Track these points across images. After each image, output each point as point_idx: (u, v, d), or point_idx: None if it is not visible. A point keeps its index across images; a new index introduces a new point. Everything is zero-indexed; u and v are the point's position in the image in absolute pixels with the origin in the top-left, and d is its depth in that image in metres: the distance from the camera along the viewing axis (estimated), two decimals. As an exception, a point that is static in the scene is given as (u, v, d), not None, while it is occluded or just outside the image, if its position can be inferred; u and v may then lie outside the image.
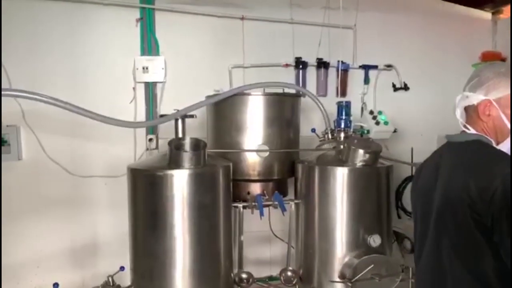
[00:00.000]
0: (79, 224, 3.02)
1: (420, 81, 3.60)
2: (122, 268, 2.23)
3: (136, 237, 2.07)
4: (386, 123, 3.02)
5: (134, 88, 3.04)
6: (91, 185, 3.02)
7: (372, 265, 1.99)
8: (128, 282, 2.16)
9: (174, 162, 1.98)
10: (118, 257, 2.38)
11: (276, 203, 2.25)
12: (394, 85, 3.54)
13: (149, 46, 3.03)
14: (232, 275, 2.21)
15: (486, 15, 3.77)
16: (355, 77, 3.44)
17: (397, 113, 3.42)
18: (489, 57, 3.56)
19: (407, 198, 3.42)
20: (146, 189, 2.02)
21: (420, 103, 3.61)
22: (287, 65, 3.28)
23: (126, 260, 2.23)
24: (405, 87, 3.54)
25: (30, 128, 2.90)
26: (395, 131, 3.12)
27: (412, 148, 3.53)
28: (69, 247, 3.02)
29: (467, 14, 3.70)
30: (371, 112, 3.08)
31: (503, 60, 3.56)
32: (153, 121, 3.02)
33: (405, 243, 2.66)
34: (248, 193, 2.42)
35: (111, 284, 2.10)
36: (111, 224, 2.94)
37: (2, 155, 2.80)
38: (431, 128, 3.64)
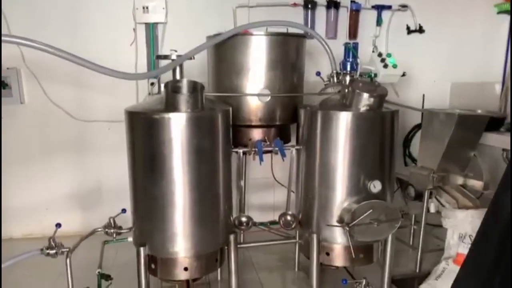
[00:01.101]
0: (84, 167, 3.07)
1: (437, 23, 3.39)
2: (123, 210, 2.27)
3: (136, 180, 2.07)
4: (394, 66, 2.88)
5: (134, 30, 2.94)
6: (95, 130, 3.03)
7: (371, 210, 1.97)
8: (130, 224, 2.20)
9: (171, 105, 1.92)
10: (122, 199, 2.38)
11: (277, 149, 2.21)
12: (408, 28, 3.35)
13: (149, -17, 2.88)
14: (231, 218, 2.22)
15: None
16: (367, 18, 3.25)
17: (410, 57, 3.26)
18: (514, -4, 3.31)
19: (415, 146, 3.35)
20: (143, 132, 1.98)
21: (435, 47, 3.43)
22: (295, 5, 3.11)
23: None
24: (420, 30, 3.35)
25: (31, 71, 2.87)
26: (403, 74, 2.98)
27: (423, 95, 3.40)
28: (76, 189, 3.09)
29: None
30: (380, 55, 2.93)
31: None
32: (153, 71, 2.88)
33: (409, 190, 2.63)
34: (250, 139, 2.38)
35: (113, 225, 2.15)
36: (114, 167, 2.97)
37: (4, 99, 2.79)
38: (445, 74, 3.51)
